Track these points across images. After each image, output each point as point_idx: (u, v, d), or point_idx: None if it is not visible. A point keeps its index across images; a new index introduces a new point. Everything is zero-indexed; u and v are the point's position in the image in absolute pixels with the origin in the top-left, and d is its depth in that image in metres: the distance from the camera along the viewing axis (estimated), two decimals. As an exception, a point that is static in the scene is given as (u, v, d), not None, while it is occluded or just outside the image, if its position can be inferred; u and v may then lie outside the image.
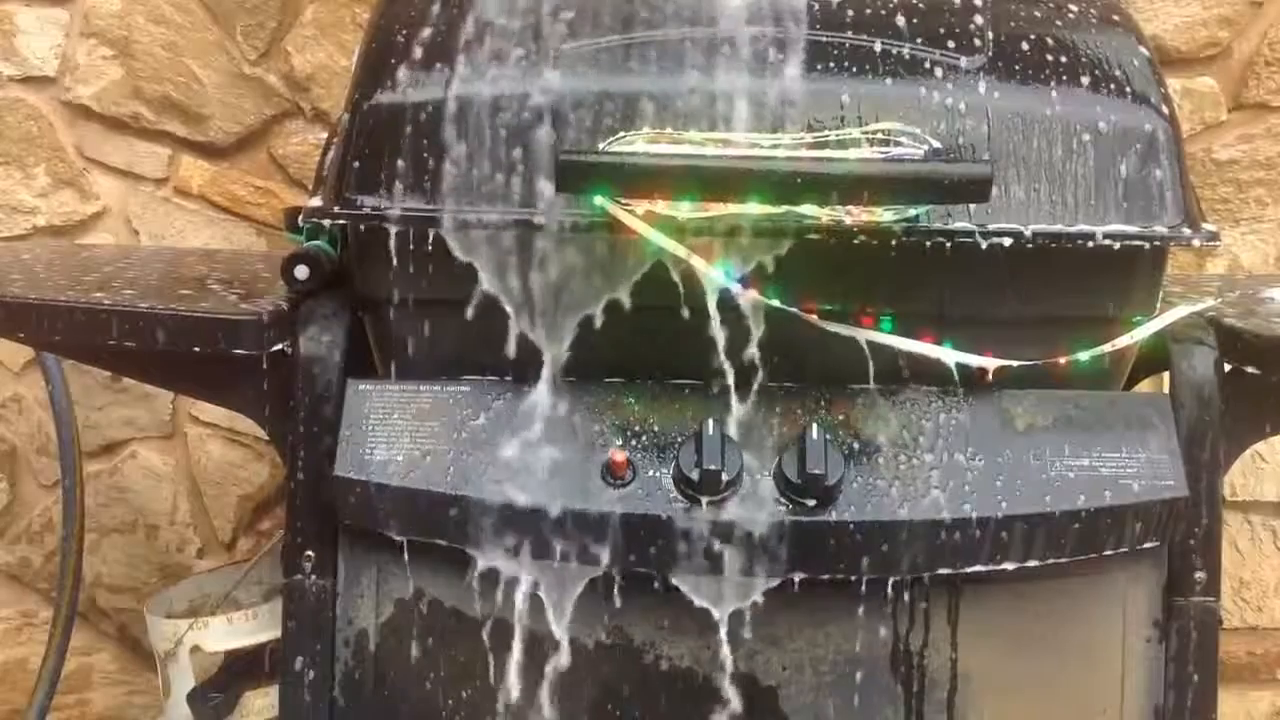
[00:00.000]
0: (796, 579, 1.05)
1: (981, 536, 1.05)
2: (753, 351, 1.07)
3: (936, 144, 1.05)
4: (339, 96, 1.78)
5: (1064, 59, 1.10)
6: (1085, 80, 1.09)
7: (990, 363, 1.08)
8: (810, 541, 1.04)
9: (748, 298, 1.05)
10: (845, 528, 1.04)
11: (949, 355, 1.08)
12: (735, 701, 1.09)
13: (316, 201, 1.13)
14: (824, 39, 1.08)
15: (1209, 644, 1.12)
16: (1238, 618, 1.96)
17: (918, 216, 1.04)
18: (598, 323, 1.07)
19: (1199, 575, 1.12)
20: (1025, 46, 1.10)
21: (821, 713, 1.11)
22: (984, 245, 1.05)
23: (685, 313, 1.07)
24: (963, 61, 1.09)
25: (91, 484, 1.89)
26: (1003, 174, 1.06)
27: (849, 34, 1.08)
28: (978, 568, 1.06)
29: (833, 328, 1.07)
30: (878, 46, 1.08)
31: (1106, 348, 1.09)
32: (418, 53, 1.08)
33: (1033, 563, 1.06)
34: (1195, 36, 1.84)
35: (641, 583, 1.07)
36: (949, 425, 1.08)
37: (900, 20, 1.10)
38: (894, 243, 1.04)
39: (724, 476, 1.03)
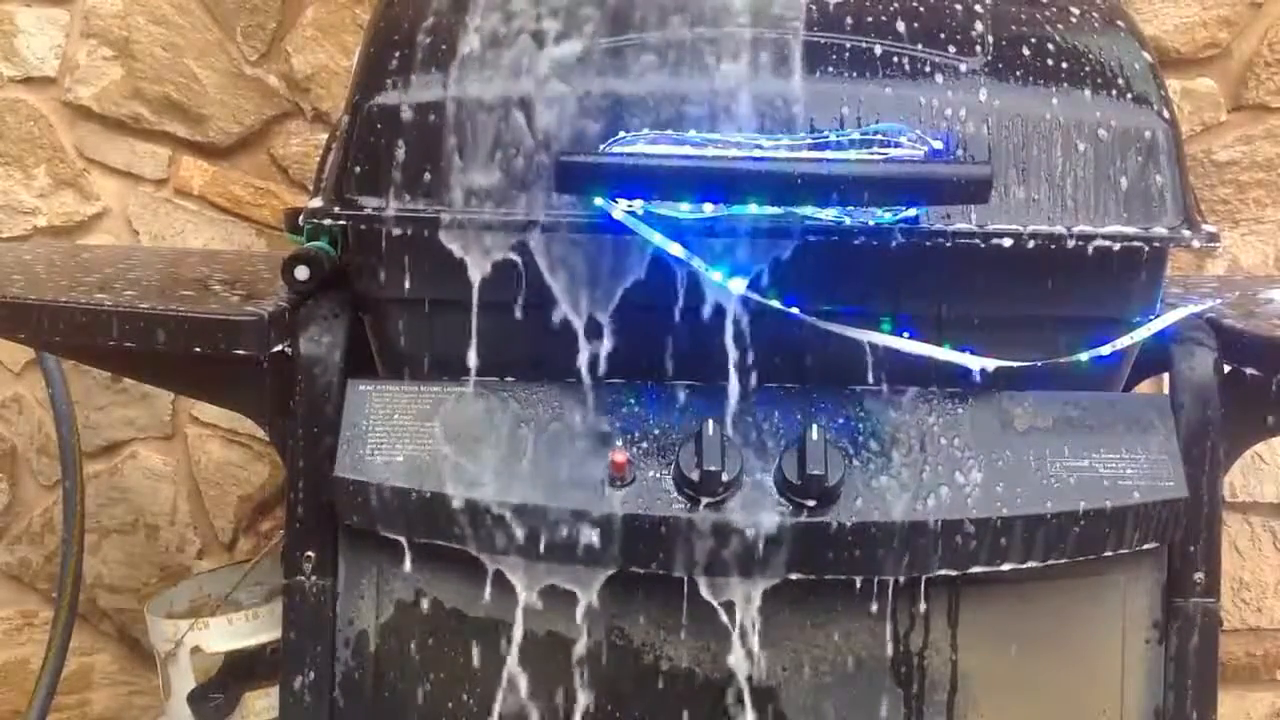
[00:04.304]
0: (796, 579, 1.05)
1: (981, 538, 1.05)
2: (753, 352, 1.07)
3: (937, 145, 1.05)
4: (339, 97, 1.79)
5: (1064, 61, 1.10)
6: (1086, 82, 1.09)
7: (990, 363, 1.08)
8: (810, 542, 1.04)
9: (747, 298, 1.05)
10: (845, 529, 1.04)
11: (949, 356, 1.08)
12: (735, 702, 1.10)
13: (317, 202, 1.13)
14: (824, 41, 1.08)
15: (1209, 645, 1.13)
16: (1237, 619, 1.96)
17: (918, 217, 1.04)
18: (598, 323, 1.07)
19: (1199, 576, 1.12)
20: (1026, 49, 1.10)
21: (821, 713, 1.11)
22: (984, 246, 1.05)
23: (685, 313, 1.07)
24: (963, 63, 1.09)
25: (92, 484, 1.89)
26: (1003, 175, 1.06)
27: (849, 36, 1.08)
28: (978, 569, 1.06)
29: (833, 328, 1.07)
30: (878, 49, 1.08)
31: (1106, 349, 1.09)
32: (418, 53, 1.08)
33: (1033, 564, 1.06)
34: (1195, 37, 1.84)
35: (642, 583, 1.07)
36: (949, 426, 1.08)
37: (901, 23, 1.10)
38: (894, 243, 1.04)
39: (724, 477, 1.03)
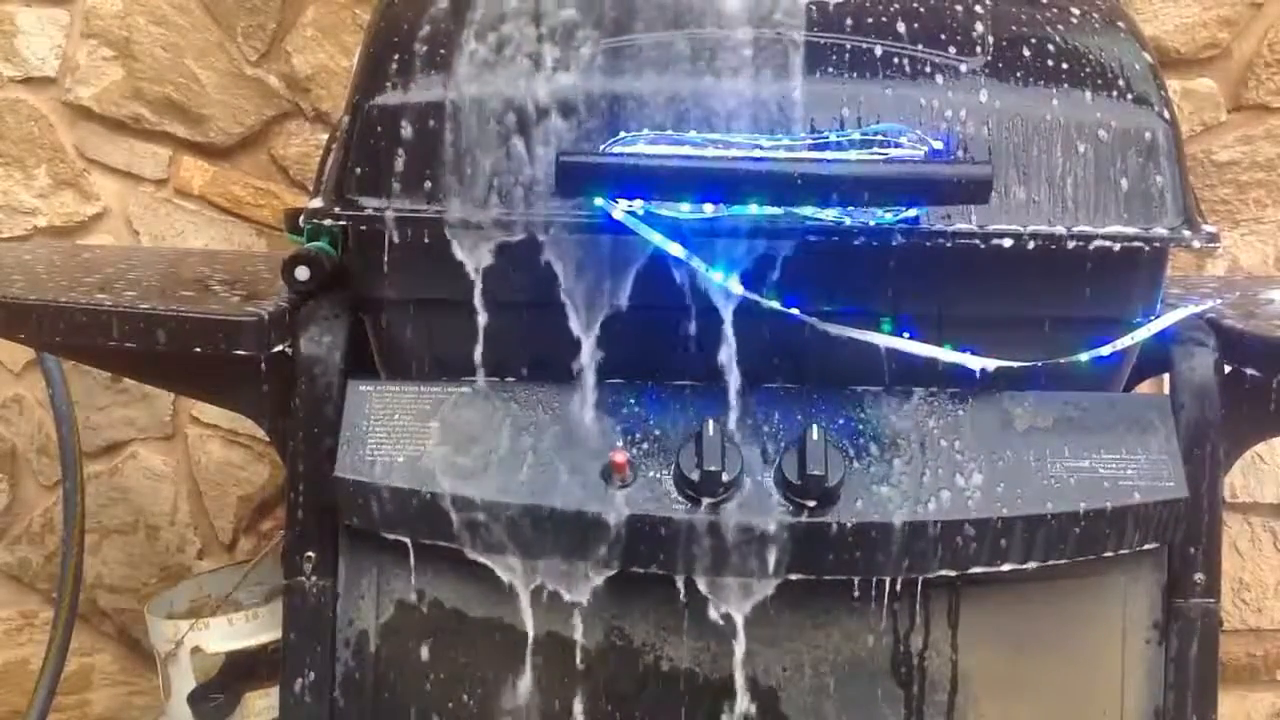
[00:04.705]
0: (797, 580, 1.05)
1: (982, 538, 1.05)
2: (753, 352, 1.07)
3: (937, 145, 1.05)
4: (339, 97, 1.79)
5: (1064, 62, 1.10)
6: (1086, 83, 1.09)
7: (990, 363, 1.08)
8: (810, 543, 1.04)
9: (748, 299, 1.05)
10: (845, 529, 1.04)
11: (949, 356, 1.08)
12: (735, 702, 1.09)
13: (317, 202, 1.13)
14: (824, 41, 1.08)
15: (1209, 646, 1.12)
16: (1237, 619, 1.96)
17: (918, 218, 1.04)
18: (598, 324, 1.07)
19: (1199, 577, 1.12)
20: (1026, 50, 1.10)
21: (822, 714, 1.11)
22: (984, 247, 1.05)
23: (685, 313, 1.07)
24: (964, 64, 1.09)
25: (92, 484, 1.89)
26: (1003, 175, 1.06)
27: (850, 37, 1.08)
28: (978, 569, 1.06)
29: (833, 329, 1.07)
30: (878, 49, 1.08)
31: (1107, 349, 1.09)
32: (418, 54, 1.08)
33: (1033, 564, 1.06)
34: (1195, 38, 1.84)
35: (642, 584, 1.07)
36: (949, 426, 1.08)
37: (901, 23, 1.10)
38: (894, 244, 1.04)
39: (724, 477, 1.03)
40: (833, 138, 1.05)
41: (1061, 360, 1.09)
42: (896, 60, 1.08)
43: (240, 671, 1.55)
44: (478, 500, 1.05)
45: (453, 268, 1.06)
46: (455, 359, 1.10)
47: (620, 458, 1.05)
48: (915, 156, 1.05)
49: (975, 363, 1.08)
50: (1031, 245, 1.05)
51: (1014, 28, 1.12)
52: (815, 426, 1.04)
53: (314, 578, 1.12)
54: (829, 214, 1.03)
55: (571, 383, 1.08)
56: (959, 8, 1.12)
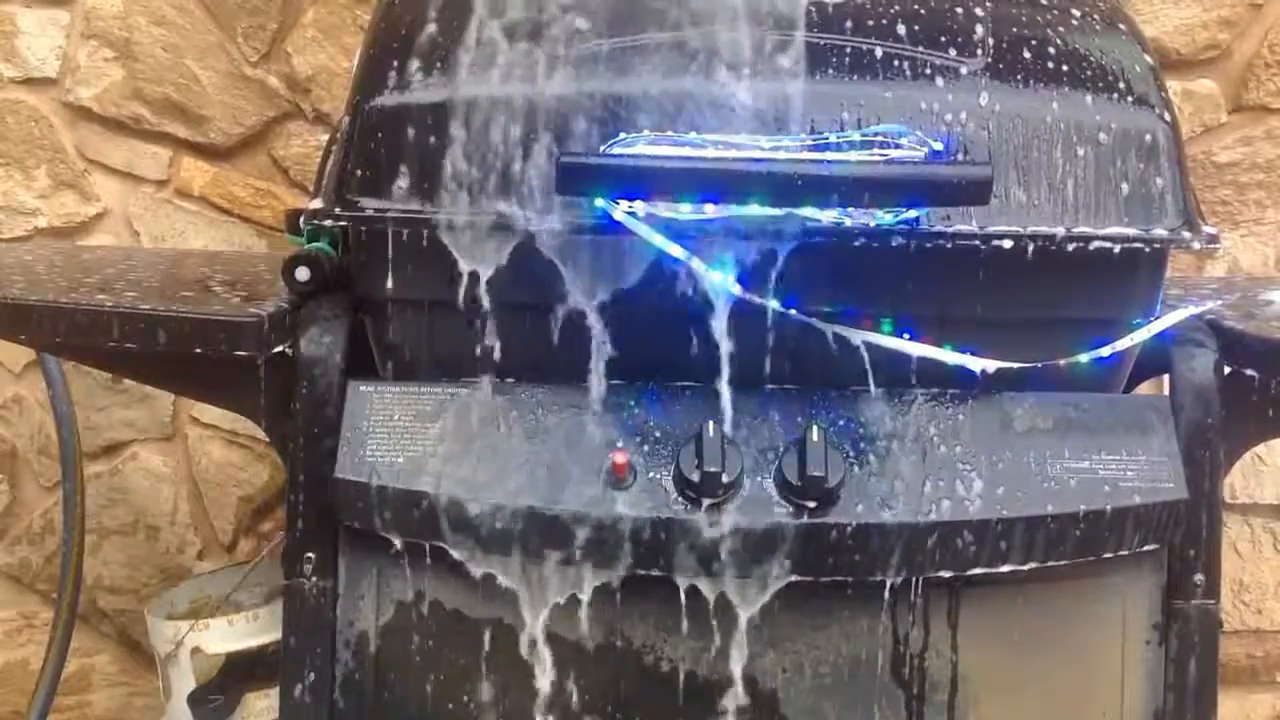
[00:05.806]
0: (797, 581, 1.05)
1: (982, 539, 1.05)
2: (753, 353, 1.07)
3: (937, 147, 1.05)
4: (340, 98, 1.79)
5: (1065, 63, 1.10)
6: (1086, 84, 1.09)
7: (990, 364, 1.08)
8: (810, 544, 1.04)
9: (747, 300, 1.05)
10: (845, 530, 1.04)
11: (949, 357, 1.08)
12: (735, 703, 1.10)
13: (317, 203, 1.13)
14: (824, 42, 1.08)
15: (1209, 647, 1.13)
16: (1237, 620, 1.96)
17: (918, 219, 1.04)
18: (598, 324, 1.07)
19: (1199, 578, 1.12)
20: (1026, 51, 1.10)
21: (822, 714, 1.11)
22: (984, 248, 1.05)
23: (685, 315, 1.07)
24: (964, 66, 1.09)
25: (92, 485, 1.89)
26: (1003, 177, 1.06)
27: (850, 38, 1.09)
28: (978, 570, 1.06)
29: (833, 330, 1.07)
30: (879, 51, 1.08)
31: (1106, 350, 1.09)
32: (418, 54, 1.08)
33: (1033, 565, 1.06)
34: (1195, 38, 1.84)
35: (642, 585, 1.07)
36: (949, 427, 1.08)
37: (901, 25, 1.10)
38: (894, 245, 1.04)
39: (724, 479, 1.03)
40: (833, 139, 1.05)
41: (1061, 361, 1.09)
42: (897, 62, 1.08)
43: (240, 672, 1.55)
44: (478, 501, 1.05)
45: (453, 269, 1.06)
46: (455, 360, 1.10)
47: (620, 459, 1.05)
48: (915, 158, 1.05)
49: (975, 363, 1.08)
50: (1031, 247, 1.05)
51: (1014, 29, 1.12)
52: (815, 427, 1.04)
53: (314, 578, 1.12)
54: (829, 215, 1.03)
55: (571, 384, 1.08)
56: (959, 9, 1.12)
